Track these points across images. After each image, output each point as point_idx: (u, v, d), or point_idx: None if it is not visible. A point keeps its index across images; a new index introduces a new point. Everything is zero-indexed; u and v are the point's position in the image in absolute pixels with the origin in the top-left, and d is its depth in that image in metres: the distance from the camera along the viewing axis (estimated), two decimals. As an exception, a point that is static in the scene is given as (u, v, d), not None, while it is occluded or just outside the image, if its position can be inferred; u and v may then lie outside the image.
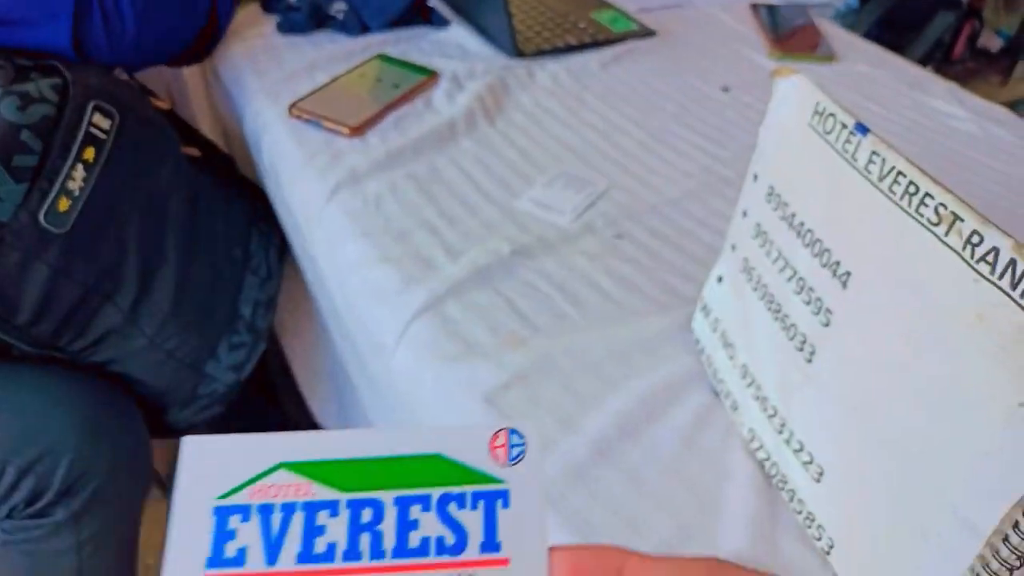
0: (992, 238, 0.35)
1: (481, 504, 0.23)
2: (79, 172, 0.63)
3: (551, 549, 0.22)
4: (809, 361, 0.46)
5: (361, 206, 0.72)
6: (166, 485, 1.27)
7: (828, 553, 0.46)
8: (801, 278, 0.45)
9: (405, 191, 0.74)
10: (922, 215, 0.37)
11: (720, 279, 0.56)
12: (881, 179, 0.39)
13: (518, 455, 0.23)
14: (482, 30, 0.99)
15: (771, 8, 1.12)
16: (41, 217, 0.62)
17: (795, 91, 0.45)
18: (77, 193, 0.63)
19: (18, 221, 0.62)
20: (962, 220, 0.36)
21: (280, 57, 0.93)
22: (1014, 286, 0.34)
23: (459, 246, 0.68)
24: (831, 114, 0.43)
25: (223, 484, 0.22)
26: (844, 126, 0.42)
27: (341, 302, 0.70)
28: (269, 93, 0.86)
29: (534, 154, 0.80)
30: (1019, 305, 0.33)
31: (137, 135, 0.69)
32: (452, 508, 0.22)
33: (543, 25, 1.02)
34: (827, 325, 0.44)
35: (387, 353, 0.61)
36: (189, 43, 0.87)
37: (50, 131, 0.64)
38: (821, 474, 0.46)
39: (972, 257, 0.35)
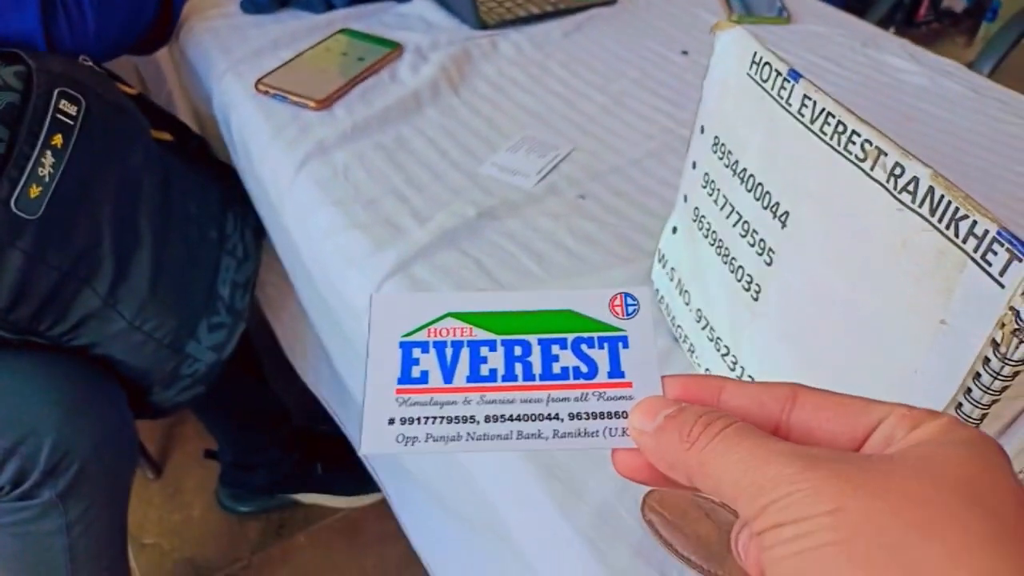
0: (912, 169, 0.37)
1: (606, 345, 0.28)
2: (48, 158, 0.64)
3: (664, 377, 0.27)
4: (756, 299, 0.48)
5: (330, 176, 0.74)
6: (157, 465, 1.29)
7: (781, 480, 0.49)
8: (746, 221, 0.48)
9: (373, 160, 0.76)
10: (850, 152, 0.40)
11: (675, 230, 0.58)
12: (813, 120, 0.42)
13: (633, 311, 0.29)
14: (445, 3, 1.00)
15: (729, -28, 1.14)
16: (12, 204, 0.63)
17: (734, 44, 0.48)
18: (47, 179, 0.64)
19: None
20: (885, 154, 0.38)
21: (245, 35, 0.94)
22: (933, 212, 0.36)
23: (427, 211, 0.70)
24: (767, 63, 0.45)
25: (406, 326, 0.28)
26: (779, 73, 0.44)
27: (315, 269, 0.72)
28: (235, 71, 0.87)
29: (499, 121, 0.82)
30: (938, 230, 0.36)
31: (105, 120, 0.70)
32: (583, 347, 0.28)
33: (505, -4, 1.04)
34: (770, 264, 0.46)
35: (360, 316, 0.63)
36: (148, 30, 0.88)
37: (16, 119, 0.64)
38: (771, 405, 0.49)
39: (895, 188, 0.38)
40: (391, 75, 0.88)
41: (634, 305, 0.29)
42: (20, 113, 0.64)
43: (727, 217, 0.50)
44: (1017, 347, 0.33)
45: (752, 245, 0.48)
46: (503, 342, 0.28)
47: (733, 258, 0.50)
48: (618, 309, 0.29)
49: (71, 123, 0.65)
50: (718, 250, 0.51)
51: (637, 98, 0.87)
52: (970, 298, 0.35)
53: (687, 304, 0.56)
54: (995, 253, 0.33)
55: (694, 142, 0.54)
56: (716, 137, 0.51)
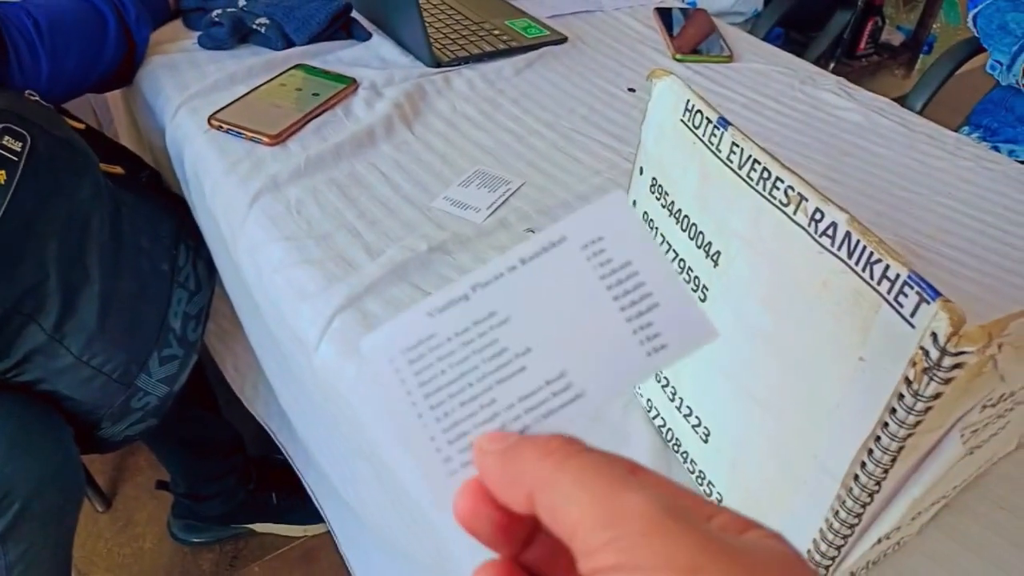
0: (831, 214, 0.39)
1: None
2: None
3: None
4: (693, 334, 0.50)
5: (283, 211, 0.74)
6: (107, 497, 1.27)
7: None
8: (681, 259, 0.50)
9: (326, 195, 0.77)
10: (775, 197, 0.42)
11: (618, 265, 0.60)
12: (740, 167, 0.44)
13: None
14: (401, 42, 1.02)
15: (674, 12, 1.18)
16: None
17: (669, 91, 0.50)
18: None
19: None
20: (806, 200, 0.41)
21: (202, 70, 0.95)
22: (850, 255, 0.39)
23: (378, 246, 0.71)
24: (699, 110, 0.47)
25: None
26: (709, 121, 0.46)
27: (265, 304, 0.72)
28: (189, 106, 0.88)
29: (451, 156, 0.84)
30: (855, 272, 0.38)
31: (52, 155, 0.70)
32: None
33: (459, 33, 1.06)
34: (704, 300, 0.48)
35: (310, 349, 0.64)
36: (109, 71, 0.88)
37: None
38: (708, 435, 0.51)
39: (816, 232, 0.40)
40: (345, 111, 0.89)
41: None
42: None
43: (665, 255, 0.52)
44: (928, 384, 0.35)
45: (688, 282, 0.50)
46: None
47: (671, 294, 0.52)
48: None
49: (15, 159, 0.65)
50: (658, 286, 0.53)
51: (585, 134, 0.90)
52: (885, 337, 0.37)
53: (630, 338, 0.58)
54: (906, 295, 0.35)
55: (634, 182, 0.56)
56: (654, 178, 0.53)
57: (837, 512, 0.42)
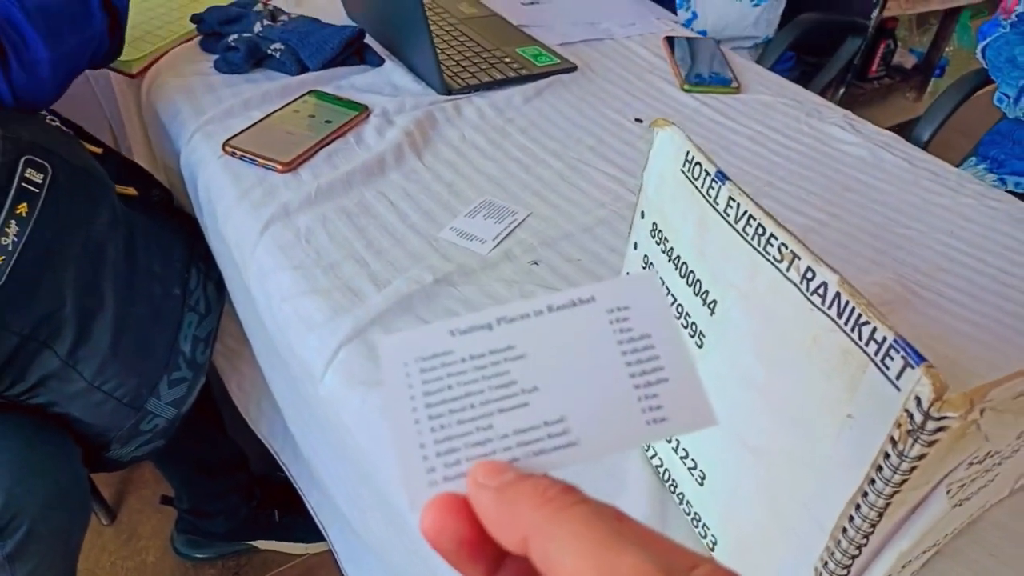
0: (822, 274, 0.40)
1: None
2: (12, 227, 0.65)
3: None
4: (690, 379, 0.51)
5: (293, 239, 0.76)
6: (112, 510, 1.29)
7: (712, 549, 0.52)
8: (680, 304, 0.51)
9: (335, 224, 0.78)
10: (769, 253, 0.43)
11: (619, 305, 0.61)
12: (737, 220, 0.45)
13: None
14: (413, 68, 1.04)
15: (683, 41, 1.20)
16: None
17: (670, 141, 0.51)
18: (11, 247, 0.65)
19: None
20: (799, 258, 0.42)
21: (217, 94, 0.97)
22: (839, 315, 0.40)
23: (385, 276, 0.72)
24: (698, 163, 0.48)
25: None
26: (708, 174, 0.47)
27: (274, 331, 0.74)
28: (204, 131, 0.90)
29: (459, 186, 0.86)
30: (844, 331, 0.39)
31: (70, 185, 0.71)
32: None
33: (471, 61, 1.08)
34: (701, 347, 0.49)
35: (316, 379, 0.65)
36: (102, 45, 0.87)
37: None
38: (704, 478, 0.52)
39: (807, 289, 0.41)
40: (357, 138, 0.91)
41: None
42: None
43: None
44: (912, 446, 0.36)
45: (686, 327, 0.51)
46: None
47: (669, 338, 0.53)
48: None
49: (36, 191, 0.66)
50: (656, 329, 0.54)
51: (592, 165, 0.91)
52: (872, 396, 0.38)
53: (629, 377, 0.59)
54: (892, 359, 0.36)
55: (635, 225, 0.57)
56: (654, 223, 0.54)
57: (826, 563, 0.43)
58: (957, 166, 1.40)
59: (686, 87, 1.07)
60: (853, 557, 0.42)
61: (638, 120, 1.00)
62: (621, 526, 0.22)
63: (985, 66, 1.39)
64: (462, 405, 0.27)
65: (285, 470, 0.98)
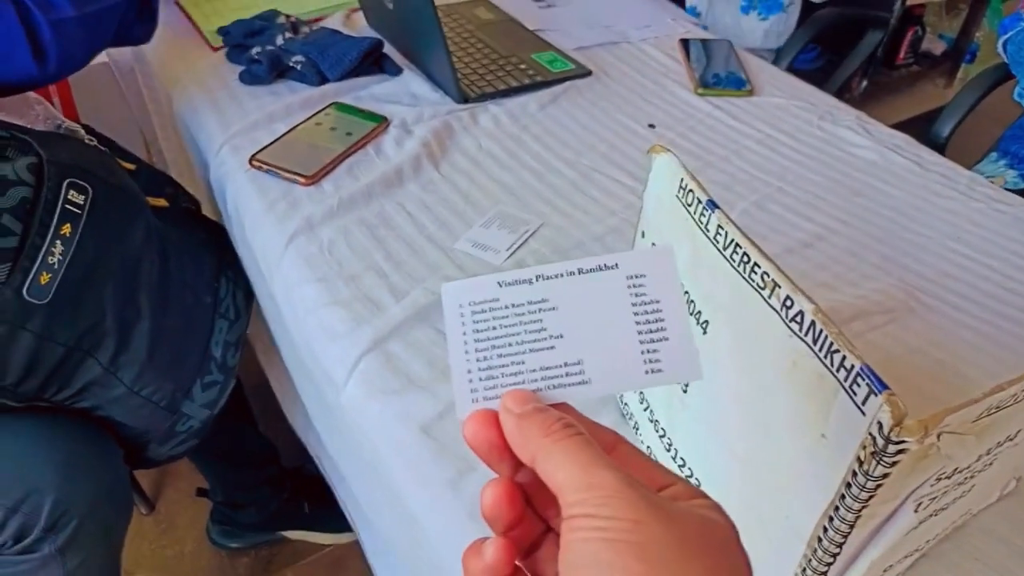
0: (799, 303, 0.43)
1: None
2: (58, 247, 0.69)
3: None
4: (685, 392, 0.54)
5: (316, 252, 0.80)
6: (151, 501, 1.35)
7: (707, 552, 0.55)
8: (675, 324, 0.54)
9: (356, 236, 0.82)
10: (753, 280, 0.46)
11: (622, 318, 0.64)
12: (725, 248, 0.48)
13: None
14: (430, 76, 1.07)
15: (698, 43, 1.21)
16: (24, 292, 0.68)
17: (666, 167, 0.54)
18: (56, 266, 0.69)
19: (2, 297, 0.67)
20: (779, 287, 0.44)
21: (243, 107, 1.01)
22: (815, 342, 0.42)
23: (403, 287, 0.76)
24: (691, 189, 0.51)
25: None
26: (700, 201, 0.50)
27: (299, 341, 0.78)
28: (231, 144, 0.94)
29: (474, 196, 0.89)
30: (818, 358, 0.42)
31: (108, 204, 0.75)
32: None
33: (487, 68, 1.11)
34: (694, 364, 0.52)
35: (338, 388, 0.69)
36: (128, 11, 0.87)
37: (29, 212, 0.69)
38: (699, 485, 0.55)
39: (787, 317, 0.44)
40: (377, 149, 0.94)
41: None
42: (32, 206, 0.69)
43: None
44: (876, 466, 0.39)
45: (681, 345, 0.54)
46: None
47: (666, 354, 0.56)
48: None
49: (79, 212, 0.71)
50: (654, 344, 0.58)
51: (604, 172, 0.94)
52: (842, 419, 0.41)
53: (631, 387, 0.62)
54: (859, 385, 0.39)
55: (637, 244, 0.60)
56: (653, 243, 0.57)
57: (804, 569, 0.46)
58: (978, 161, 1.40)
59: (700, 90, 1.09)
60: (828, 564, 0.45)
61: (651, 126, 1.02)
62: (603, 453, 0.30)
63: (1006, 60, 1.39)
64: (503, 343, 0.34)
65: (317, 462, 1.02)
